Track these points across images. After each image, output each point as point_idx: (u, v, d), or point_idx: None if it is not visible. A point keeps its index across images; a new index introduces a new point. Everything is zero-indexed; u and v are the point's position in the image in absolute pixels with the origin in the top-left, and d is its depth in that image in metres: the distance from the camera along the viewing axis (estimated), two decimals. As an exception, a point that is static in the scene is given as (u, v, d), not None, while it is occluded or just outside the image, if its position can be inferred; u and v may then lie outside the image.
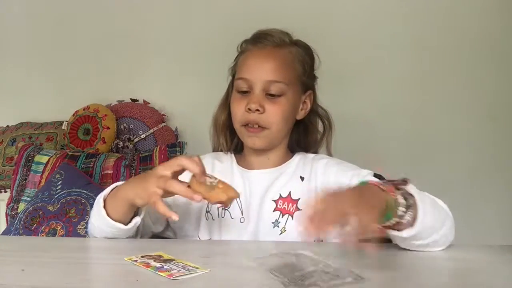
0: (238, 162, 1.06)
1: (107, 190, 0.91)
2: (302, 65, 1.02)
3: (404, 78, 1.96)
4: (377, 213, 0.67)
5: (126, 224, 0.88)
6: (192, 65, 2.05)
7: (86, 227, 1.49)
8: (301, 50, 1.03)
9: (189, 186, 0.80)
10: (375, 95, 1.97)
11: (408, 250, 0.80)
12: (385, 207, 0.69)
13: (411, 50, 1.95)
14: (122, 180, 1.71)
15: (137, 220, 0.89)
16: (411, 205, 0.72)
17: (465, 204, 1.89)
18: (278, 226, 0.97)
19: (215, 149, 1.11)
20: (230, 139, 1.07)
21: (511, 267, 0.76)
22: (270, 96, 0.97)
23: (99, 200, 0.90)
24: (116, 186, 0.91)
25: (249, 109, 0.96)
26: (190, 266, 0.71)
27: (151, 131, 1.98)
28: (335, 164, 1.02)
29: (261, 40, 1.00)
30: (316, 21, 1.94)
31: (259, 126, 0.98)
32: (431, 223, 0.75)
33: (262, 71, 0.97)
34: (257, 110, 0.96)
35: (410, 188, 0.74)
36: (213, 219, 1.00)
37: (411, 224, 0.72)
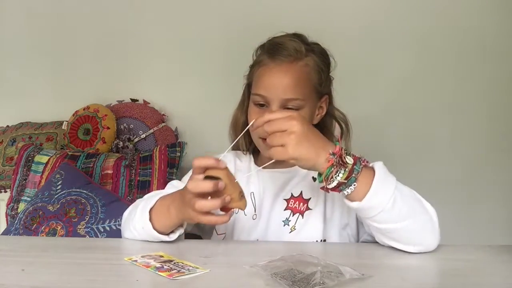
0: (255, 162, 1.09)
1: (152, 201, 0.89)
2: (318, 74, 1.00)
3: (403, 78, 1.96)
4: (304, 156, 0.76)
5: (168, 234, 0.87)
6: (192, 65, 2.05)
7: (86, 227, 1.49)
8: (317, 59, 1.01)
9: (212, 177, 0.79)
10: (375, 95, 1.96)
11: (408, 251, 0.81)
12: (312, 165, 0.77)
13: (410, 50, 1.95)
14: (122, 180, 1.73)
15: (181, 231, 0.89)
16: (356, 180, 0.75)
17: (465, 204, 1.89)
18: (288, 225, 1.00)
19: (234, 148, 1.12)
20: (249, 140, 1.08)
21: (511, 267, 0.76)
22: (288, 110, 0.97)
23: (145, 211, 0.88)
24: (161, 197, 0.90)
25: None
26: (190, 266, 0.71)
27: (151, 131, 1.98)
28: None
29: (277, 55, 0.98)
30: (316, 22, 1.94)
31: None
32: (384, 207, 0.76)
33: (279, 89, 0.96)
34: None
35: (378, 169, 0.77)
36: None
37: (361, 199, 0.76)
